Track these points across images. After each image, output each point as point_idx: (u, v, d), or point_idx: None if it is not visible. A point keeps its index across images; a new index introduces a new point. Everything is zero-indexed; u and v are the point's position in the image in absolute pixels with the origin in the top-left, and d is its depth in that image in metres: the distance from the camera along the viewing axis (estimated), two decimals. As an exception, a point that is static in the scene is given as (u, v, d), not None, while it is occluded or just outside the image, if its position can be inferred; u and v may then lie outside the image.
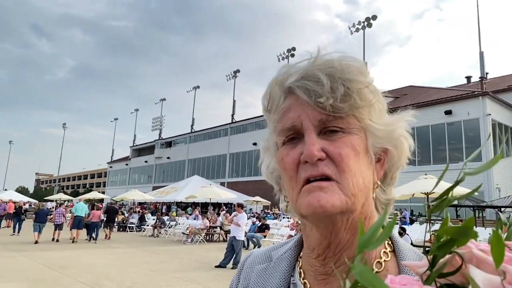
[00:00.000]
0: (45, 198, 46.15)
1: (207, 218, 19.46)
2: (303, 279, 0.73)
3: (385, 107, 0.70)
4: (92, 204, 19.65)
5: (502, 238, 0.29)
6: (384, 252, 0.69)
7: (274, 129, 0.68)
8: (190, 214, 27.71)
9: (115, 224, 24.29)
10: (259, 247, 10.57)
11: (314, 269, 0.71)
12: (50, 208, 34.99)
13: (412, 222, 22.51)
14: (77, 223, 16.99)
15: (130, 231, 23.55)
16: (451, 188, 0.32)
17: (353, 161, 0.62)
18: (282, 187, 0.72)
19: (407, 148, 0.69)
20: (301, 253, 0.77)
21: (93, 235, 17.36)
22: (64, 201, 33.90)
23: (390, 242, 0.72)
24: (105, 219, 19.26)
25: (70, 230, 17.25)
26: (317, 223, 0.66)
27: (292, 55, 43.69)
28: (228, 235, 14.86)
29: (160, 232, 20.95)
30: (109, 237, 18.43)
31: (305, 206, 0.62)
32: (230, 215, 17.03)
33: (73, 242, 16.53)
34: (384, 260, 0.68)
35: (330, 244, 0.67)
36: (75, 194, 78.90)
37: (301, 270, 0.75)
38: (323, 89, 0.62)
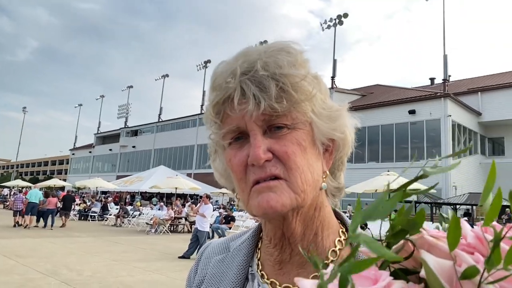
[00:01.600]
0: (1, 184, 44.23)
1: (172, 209, 19.29)
2: (260, 271, 0.73)
3: (327, 93, 0.69)
4: (46, 192, 19.43)
5: (459, 223, 0.30)
6: (339, 240, 0.70)
7: (218, 131, 0.66)
8: (155, 205, 27.39)
9: (76, 213, 23.74)
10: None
11: (273, 258, 0.72)
12: (6, 195, 33.61)
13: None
14: (30, 209, 17.18)
15: (92, 220, 23.00)
16: (410, 183, 0.33)
17: (300, 157, 0.62)
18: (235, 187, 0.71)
19: (352, 137, 0.70)
20: (259, 244, 0.77)
21: (49, 222, 17.41)
22: (23, 187, 32.65)
23: (344, 231, 0.73)
24: (61, 206, 19.10)
25: (23, 216, 17.36)
26: (268, 220, 0.68)
27: (264, 48, 43.71)
28: (193, 226, 14.82)
29: (123, 222, 20.59)
30: (65, 225, 18.24)
31: (255, 208, 0.63)
32: (196, 206, 16.95)
33: (25, 227, 16.73)
34: (339, 249, 0.69)
35: (284, 233, 0.68)
36: (34, 181, 75.93)
37: (259, 261, 0.75)
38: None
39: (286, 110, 0.61)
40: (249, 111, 0.61)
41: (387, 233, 0.33)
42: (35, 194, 17.84)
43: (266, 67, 0.61)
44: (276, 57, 0.62)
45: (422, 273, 0.30)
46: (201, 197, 13.56)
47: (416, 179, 0.33)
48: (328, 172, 0.69)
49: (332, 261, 0.67)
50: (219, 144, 0.69)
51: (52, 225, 17.34)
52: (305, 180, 0.63)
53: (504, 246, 0.28)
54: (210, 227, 16.03)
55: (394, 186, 0.30)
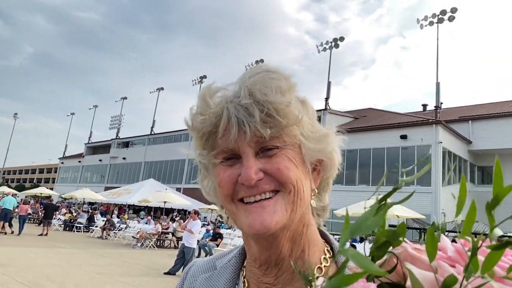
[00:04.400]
0: (-14, 190, 43.44)
1: (160, 223, 19.06)
2: None
3: (314, 117, 0.71)
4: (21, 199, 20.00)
5: (435, 235, 0.32)
6: (324, 258, 0.72)
7: (210, 151, 0.68)
8: (142, 218, 27.04)
9: (61, 223, 23.35)
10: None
11: (257, 277, 0.72)
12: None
13: (362, 240, 23.11)
14: (4, 215, 17.55)
15: (77, 231, 22.61)
16: (389, 194, 0.35)
17: (292, 171, 0.64)
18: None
19: (338, 159, 0.72)
20: (245, 262, 0.78)
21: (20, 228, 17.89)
22: (6, 194, 32.07)
23: (329, 249, 0.74)
24: (42, 215, 19.50)
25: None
26: (258, 239, 0.68)
27: (259, 67, 44.12)
28: (179, 241, 14.61)
29: (109, 235, 20.27)
30: (46, 234, 18.20)
31: (246, 227, 0.64)
32: (184, 221, 16.78)
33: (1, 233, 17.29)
34: (324, 266, 0.71)
35: (271, 256, 0.69)
36: (21, 188, 74.83)
37: (245, 279, 0.75)
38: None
39: (276, 134, 0.63)
40: (233, 136, 0.63)
41: (371, 248, 0.35)
42: (9, 201, 18.09)
43: (251, 94, 0.63)
44: (261, 84, 0.64)
45: (408, 283, 0.31)
46: (189, 212, 13.41)
47: (394, 190, 0.35)
48: (316, 191, 0.72)
49: (318, 277, 0.68)
50: (210, 162, 0.69)
51: (20, 232, 17.68)
52: (297, 192, 0.65)
53: (480, 258, 0.30)
54: (197, 244, 15.86)
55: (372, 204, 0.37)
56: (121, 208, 36.87)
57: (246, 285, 0.74)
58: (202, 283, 0.79)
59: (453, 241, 0.35)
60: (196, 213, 12.35)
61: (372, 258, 0.35)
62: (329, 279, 0.30)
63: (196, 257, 15.04)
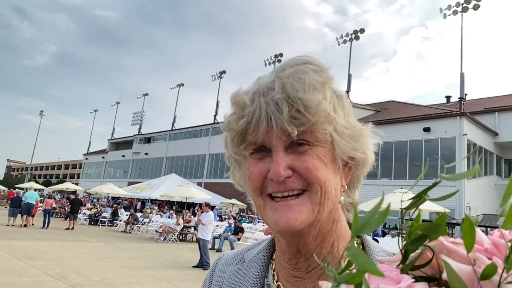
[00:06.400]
0: (15, 185, 44.86)
1: (182, 218, 19.31)
2: (276, 281, 0.74)
3: (350, 112, 0.70)
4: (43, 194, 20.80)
5: (473, 223, 0.32)
6: None
7: (241, 142, 0.68)
8: (165, 212, 27.44)
9: (86, 217, 23.93)
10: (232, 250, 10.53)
11: (287, 271, 0.72)
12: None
13: (384, 234, 22.86)
14: (27, 209, 18.14)
15: (102, 225, 23.13)
16: (428, 189, 0.35)
17: (320, 171, 0.64)
18: None
19: (371, 158, 0.71)
20: (274, 255, 0.78)
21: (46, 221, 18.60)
22: (36, 190, 33.02)
23: (360, 242, 0.74)
24: (69, 210, 20.12)
25: (21, 216, 18.25)
26: (284, 235, 0.69)
27: (279, 61, 43.85)
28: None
29: (132, 229, 20.66)
30: (73, 228, 18.79)
31: (272, 223, 0.64)
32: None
33: (24, 226, 17.90)
34: None
35: (300, 250, 0.69)
36: (47, 183, 76.88)
37: (274, 272, 0.75)
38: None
39: (304, 131, 0.62)
40: (262, 131, 0.63)
41: (404, 241, 0.35)
42: (31, 196, 18.54)
43: (284, 88, 0.62)
44: (295, 78, 0.63)
45: (444, 275, 0.31)
46: (213, 207, 13.45)
47: (434, 185, 0.35)
48: (346, 187, 0.71)
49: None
50: (240, 154, 0.70)
51: (48, 226, 18.32)
52: (325, 193, 0.64)
53: None
54: (219, 237, 15.98)
55: (406, 203, 0.36)
56: (161, 205, 37.20)
57: (276, 278, 0.75)
58: (231, 275, 0.79)
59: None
60: (207, 205, 12.27)
61: (405, 251, 0.35)
62: (339, 273, 0.30)
63: (217, 250, 15.19)
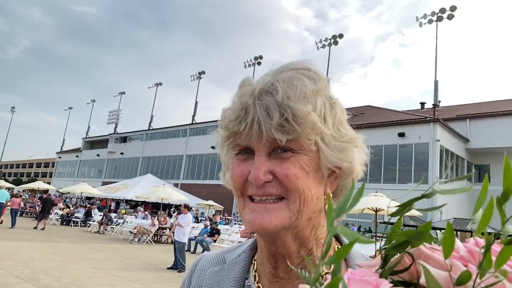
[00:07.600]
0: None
1: (157, 219, 19.07)
2: (257, 283, 0.74)
3: (343, 120, 0.70)
4: (13, 193, 20.26)
5: (453, 231, 0.32)
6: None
7: (230, 142, 0.68)
8: (139, 213, 27.00)
9: (58, 217, 23.32)
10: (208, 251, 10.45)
11: (268, 271, 0.73)
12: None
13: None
14: None
15: (74, 226, 22.60)
16: (416, 200, 0.36)
17: (300, 180, 0.63)
18: None
19: (360, 169, 0.70)
20: (255, 256, 0.78)
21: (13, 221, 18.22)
22: (7, 188, 32.02)
23: (339, 246, 0.74)
24: (40, 209, 19.75)
25: None
26: (260, 234, 0.70)
27: (259, 63, 44.01)
28: (177, 237, 14.58)
29: (106, 229, 20.27)
30: (43, 228, 18.44)
31: (247, 223, 0.65)
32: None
33: None
34: None
35: (278, 250, 0.69)
36: (18, 182, 74.64)
37: (256, 273, 0.75)
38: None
39: (289, 139, 0.62)
40: (254, 135, 0.63)
41: (384, 247, 0.35)
42: (2, 194, 18.38)
43: (277, 92, 0.62)
44: (289, 83, 0.63)
45: (422, 280, 0.32)
46: (190, 208, 13.31)
47: (422, 196, 0.35)
48: (331, 195, 0.70)
49: (326, 272, 0.68)
50: (229, 155, 0.70)
51: (14, 225, 17.91)
52: (304, 201, 0.64)
53: (492, 257, 0.30)
54: (194, 239, 15.86)
55: (392, 209, 0.37)
56: (147, 207, 36.73)
57: (257, 278, 0.74)
58: (212, 276, 0.79)
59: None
60: (186, 207, 12.16)
61: (386, 256, 0.35)
62: (321, 260, 0.32)
63: (192, 252, 15.06)
